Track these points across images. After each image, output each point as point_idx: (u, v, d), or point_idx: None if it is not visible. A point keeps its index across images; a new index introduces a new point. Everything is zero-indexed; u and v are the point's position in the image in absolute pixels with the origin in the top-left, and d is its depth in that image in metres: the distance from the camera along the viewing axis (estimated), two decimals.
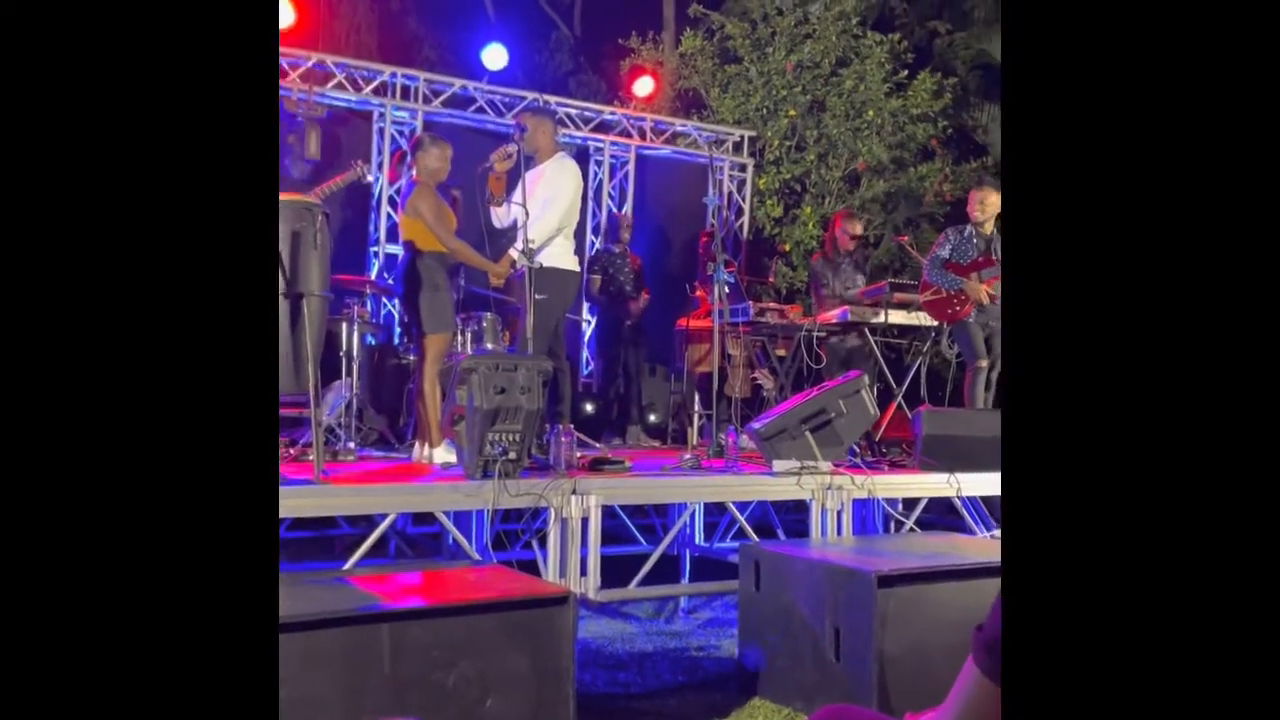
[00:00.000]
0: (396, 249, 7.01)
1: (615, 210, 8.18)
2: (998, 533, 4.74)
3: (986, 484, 4.66)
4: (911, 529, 4.67)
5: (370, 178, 6.61)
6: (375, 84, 7.17)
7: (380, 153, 7.20)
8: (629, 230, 7.11)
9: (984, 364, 5.51)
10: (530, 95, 7.64)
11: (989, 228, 5.65)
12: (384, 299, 6.90)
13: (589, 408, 6.89)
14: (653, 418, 7.17)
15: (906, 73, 9.60)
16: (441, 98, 7.42)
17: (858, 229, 6.46)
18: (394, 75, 7.25)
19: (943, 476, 4.52)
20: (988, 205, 5.60)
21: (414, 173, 4.50)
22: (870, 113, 9.27)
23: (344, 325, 5.26)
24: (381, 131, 7.19)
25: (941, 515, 4.97)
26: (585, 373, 7.81)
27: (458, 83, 7.49)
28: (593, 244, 7.98)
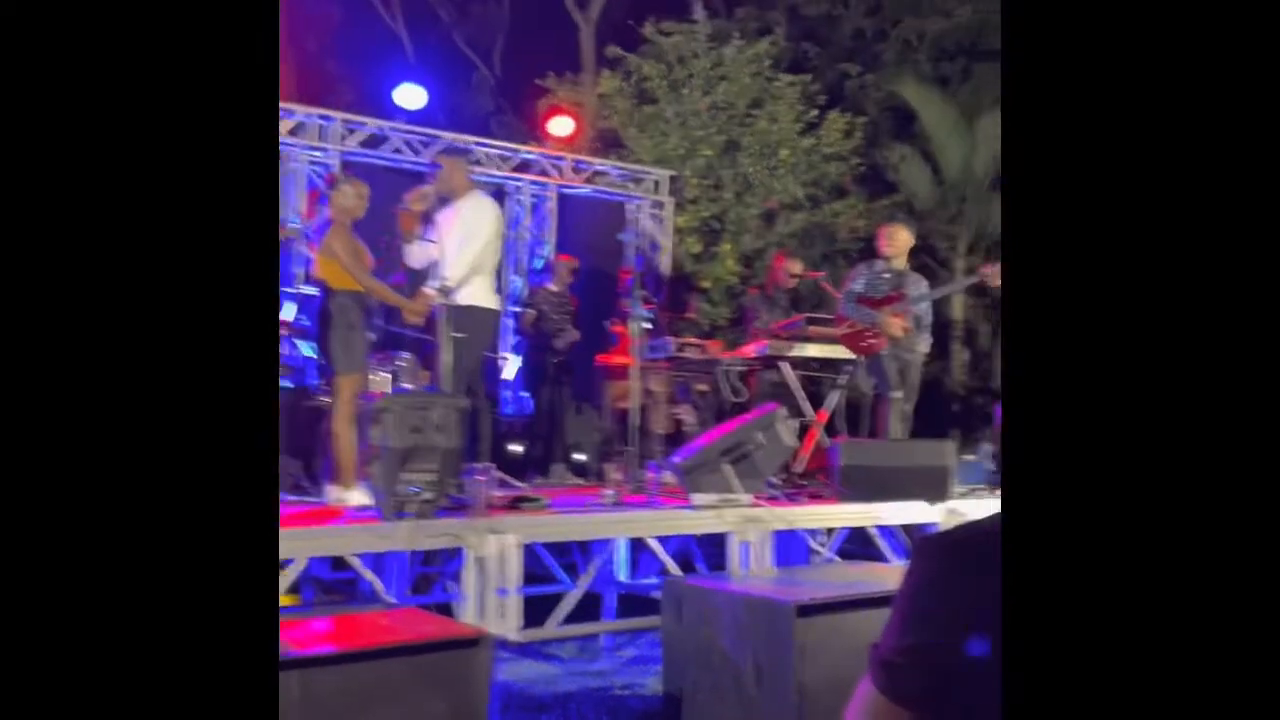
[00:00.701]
0: (312, 290, 6.90)
1: (537, 249, 8.19)
2: None
3: (902, 512, 4.74)
4: (831, 559, 4.72)
5: (293, 230, 6.50)
6: (291, 124, 7.07)
7: (293, 195, 7.09)
8: (572, 274, 7.11)
9: (899, 395, 5.62)
10: (446, 135, 7.63)
11: (899, 263, 5.79)
12: (297, 340, 6.76)
13: (514, 447, 6.83)
14: (579, 456, 7.14)
15: (818, 113, 9.86)
16: (357, 137, 7.36)
17: (797, 268, 6.56)
18: (309, 116, 7.17)
19: (861, 506, 4.58)
20: (896, 241, 5.75)
21: (329, 212, 4.45)
22: (784, 152, 9.49)
23: None
24: (296, 172, 7.09)
25: (861, 545, 5.03)
26: (506, 411, 7.74)
27: (373, 123, 7.44)
28: (513, 282, 7.96)
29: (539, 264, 8.08)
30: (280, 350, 5.62)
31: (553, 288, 7.06)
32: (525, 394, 7.33)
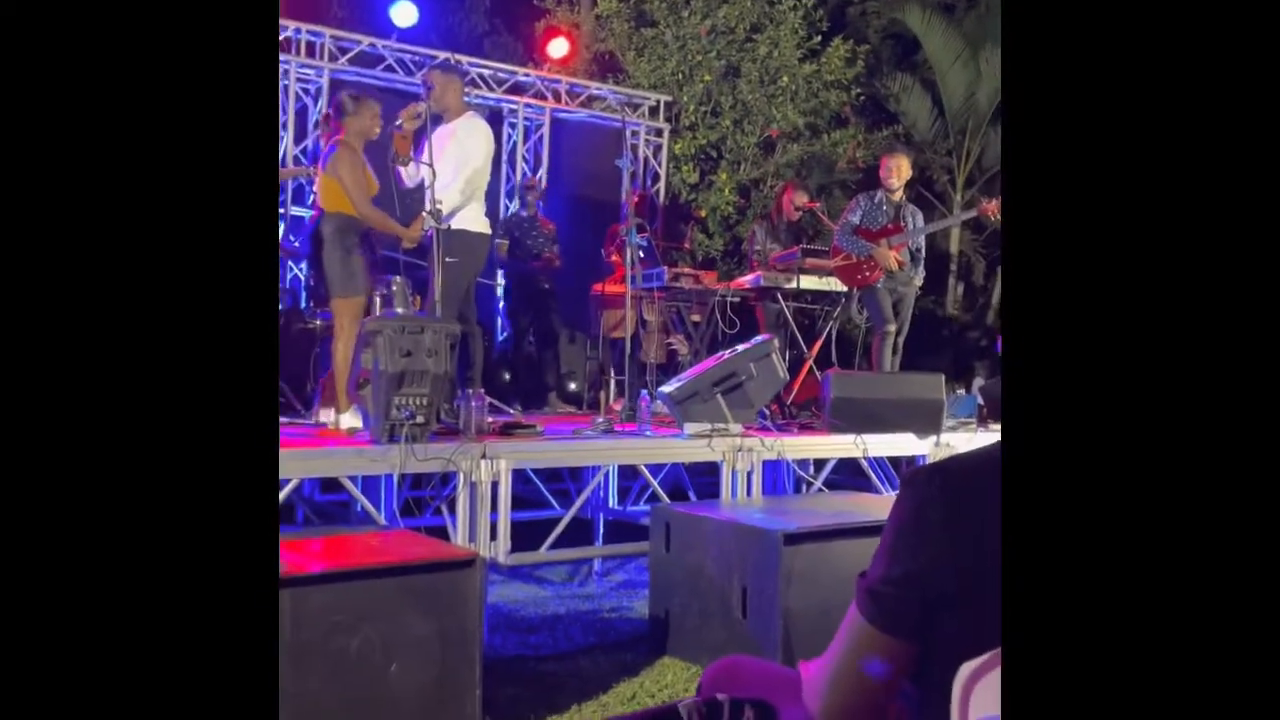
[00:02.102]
0: (303, 211, 6.83)
1: (530, 173, 8.08)
2: None
3: (892, 445, 4.78)
4: (820, 489, 4.77)
5: (306, 171, 6.39)
6: (280, 39, 6.91)
7: (284, 110, 6.96)
8: (536, 194, 7.03)
9: (891, 328, 5.62)
10: (440, 54, 7.47)
11: (899, 195, 5.74)
12: (290, 262, 6.71)
13: (505, 375, 6.83)
14: (571, 385, 7.15)
15: (820, 39, 9.67)
16: (349, 55, 7.20)
17: (803, 200, 6.49)
18: (298, 31, 7.01)
19: (850, 438, 4.62)
20: (899, 171, 5.69)
21: (341, 135, 4.36)
22: (785, 79, 9.32)
23: None
24: (286, 89, 6.95)
25: (850, 476, 5.08)
26: (500, 338, 7.73)
27: (366, 40, 7.28)
28: (507, 208, 7.88)
29: (517, 188, 7.99)
30: None
31: (523, 213, 6.97)
32: (509, 323, 7.29)
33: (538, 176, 8.06)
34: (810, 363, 6.05)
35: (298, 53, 6.99)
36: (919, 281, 5.82)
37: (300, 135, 7.09)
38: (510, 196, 8.00)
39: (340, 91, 4.78)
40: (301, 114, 7.08)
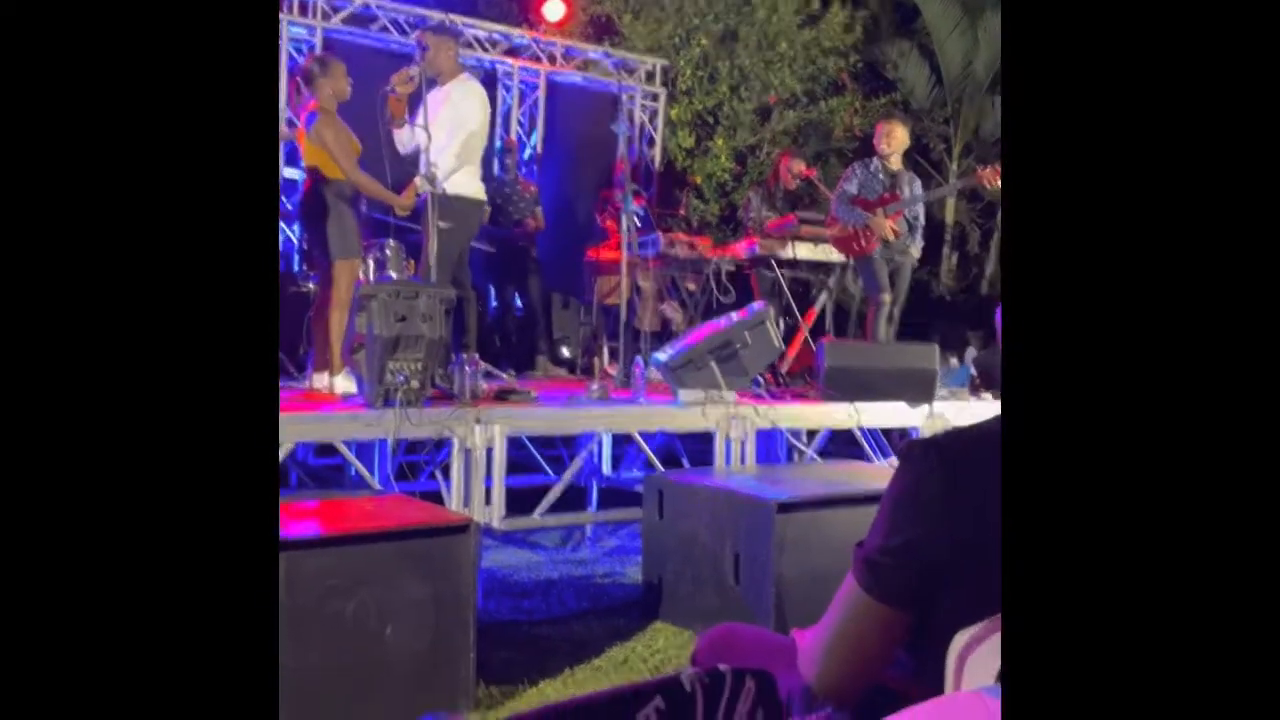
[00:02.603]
0: (294, 173, 6.76)
1: (524, 137, 8.01)
2: (895, 461, 4.89)
3: (886, 415, 4.79)
4: (813, 458, 4.79)
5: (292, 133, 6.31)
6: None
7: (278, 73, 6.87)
8: (514, 155, 6.97)
9: (887, 298, 5.61)
10: (435, 15, 7.37)
11: (894, 162, 5.71)
12: (281, 224, 6.65)
13: (496, 339, 6.81)
14: (565, 350, 7.14)
15: (820, 4, 9.58)
16: (341, 14, 7.11)
17: (800, 168, 6.45)
18: None
19: (844, 407, 4.63)
20: (893, 139, 5.65)
21: (315, 102, 4.31)
22: (783, 44, 9.25)
23: None
24: (277, 49, 6.86)
25: (843, 445, 5.10)
26: (495, 304, 7.71)
27: None
28: (490, 172, 7.82)
29: (526, 154, 7.92)
30: None
31: (503, 176, 6.91)
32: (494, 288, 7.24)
33: (530, 138, 7.99)
34: (805, 331, 6.05)
35: (289, 11, 6.89)
36: (916, 251, 5.81)
37: (291, 98, 7.01)
38: (495, 160, 7.95)
39: (303, 59, 4.71)
40: (294, 74, 7.00)
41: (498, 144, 7.71)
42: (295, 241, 6.63)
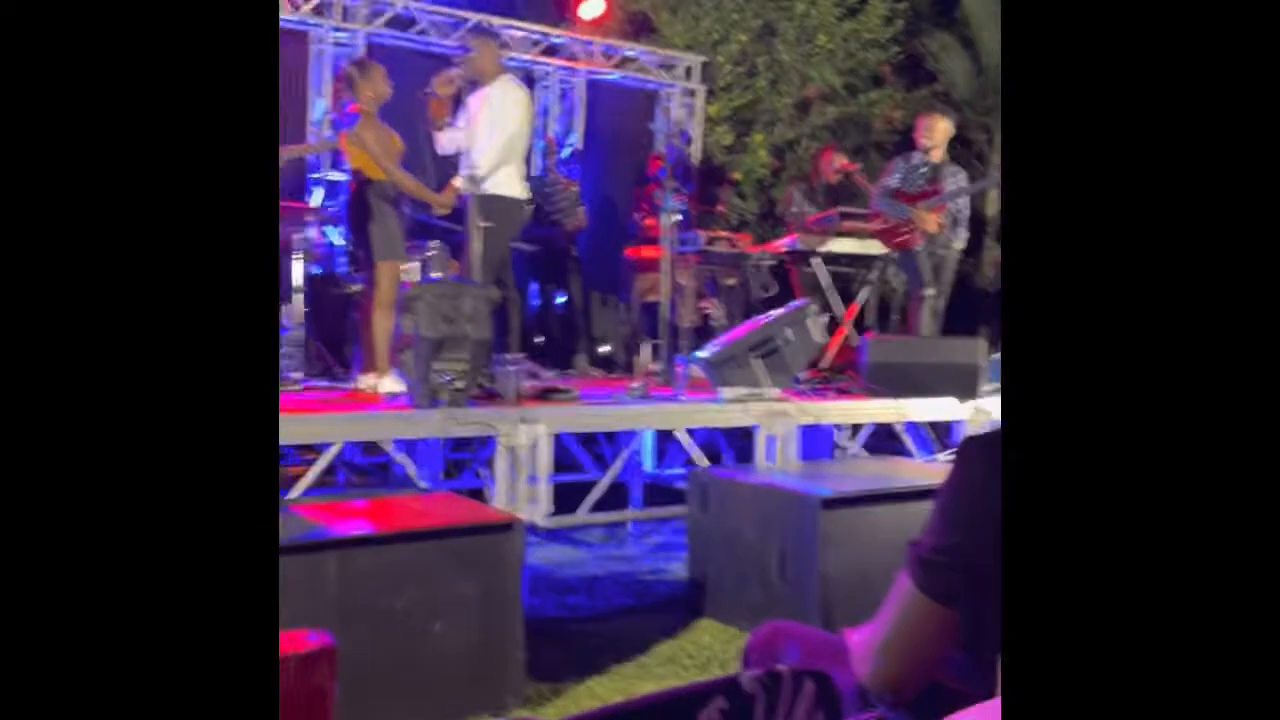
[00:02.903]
0: (339, 175, 6.85)
1: (562, 136, 8.04)
2: (939, 457, 4.85)
3: (930, 409, 4.75)
4: (856, 454, 4.76)
5: (327, 144, 6.40)
6: (314, 3, 6.90)
7: (319, 76, 6.97)
8: (554, 155, 7.00)
9: (931, 292, 5.56)
10: (475, 17, 7.42)
11: (937, 155, 5.65)
12: (327, 227, 6.74)
13: (538, 338, 6.85)
14: (604, 348, 7.16)
15: None
16: (383, 18, 7.18)
17: (842, 162, 6.42)
18: None
19: (887, 402, 4.60)
20: (935, 132, 5.60)
21: (358, 103, 4.37)
22: (822, 38, 9.17)
23: (286, 254, 5.15)
24: (321, 54, 6.95)
25: (886, 440, 5.07)
26: (536, 303, 7.75)
27: (400, 2, 7.24)
28: (543, 170, 7.86)
29: (566, 153, 7.95)
30: (310, 236, 5.62)
31: (544, 176, 6.94)
32: (536, 285, 7.28)
33: (569, 138, 8.02)
34: (847, 327, 6.02)
35: (332, 16, 6.97)
36: (960, 245, 5.74)
37: (336, 102, 7.09)
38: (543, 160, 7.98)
39: (343, 63, 4.77)
40: (339, 79, 7.08)
41: (538, 143, 7.75)
42: (342, 244, 6.71)
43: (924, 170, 5.63)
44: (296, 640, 0.60)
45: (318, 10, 6.91)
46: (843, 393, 4.96)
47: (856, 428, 4.86)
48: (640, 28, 10.07)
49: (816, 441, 4.89)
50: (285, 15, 6.77)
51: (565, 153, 7.95)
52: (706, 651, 3.05)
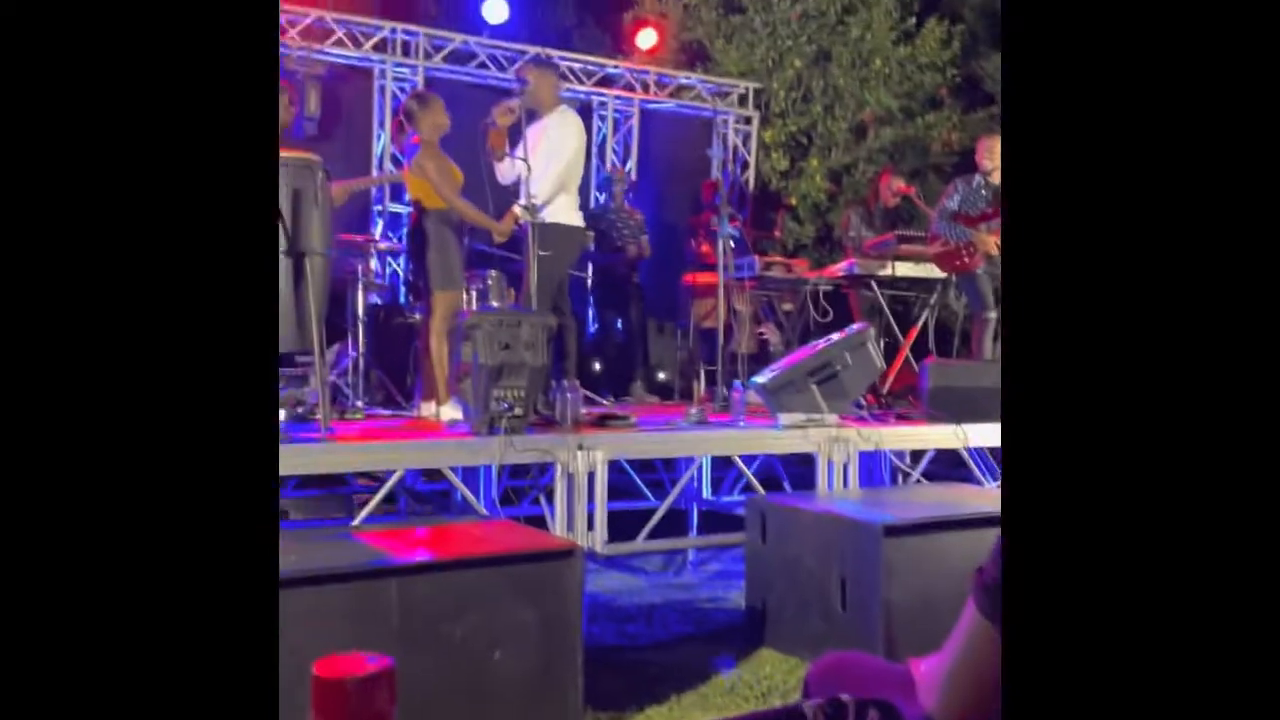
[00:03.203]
0: (400, 208, 6.99)
1: (619, 165, 8.11)
2: None
3: (993, 435, 4.66)
4: (918, 480, 4.68)
5: (393, 176, 6.56)
6: (375, 40, 7.09)
7: (381, 110, 7.14)
8: (622, 184, 7.05)
9: (993, 315, 5.48)
10: (532, 49, 7.54)
11: (997, 176, 5.58)
12: (388, 258, 6.88)
13: (595, 365, 6.89)
14: (661, 375, 7.17)
15: (914, 20, 9.44)
16: (442, 53, 7.34)
17: (900, 185, 6.39)
18: (394, 31, 7.17)
19: (949, 428, 4.52)
20: (996, 154, 5.53)
21: (419, 133, 4.47)
22: (877, 62, 9.13)
23: (349, 285, 5.25)
24: (383, 89, 7.13)
25: (948, 467, 4.98)
26: (592, 329, 7.80)
27: (458, 38, 7.40)
28: (596, 200, 7.92)
29: (606, 179, 8.02)
30: (370, 266, 5.73)
31: (609, 204, 7.00)
32: (597, 314, 7.33)
33: (625, 167, 8.09)
34: (906, 351, 5.94)
35: (393, 52, 7.15)
36: None
37: (397, 135, 7.25)
38: (601, 189, 8.05)
39: (405, 98, 4.87)
40: (399, 112, 7.25)
41: (603, 173, 7.83)
42: (402, 274, 6.84)
43: (984, 192, 5.56)
44: (356, 663, 0.60)
45: (379, 47, 7.09)
46: (903, 418, 4.89)
47: (918, 454, 4.78)
48: (695, 56, 10.13)
49: (877, 468, 4.82)
50: (348, 52, 6.96)
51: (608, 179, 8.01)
52: (767, 681, 3.01)
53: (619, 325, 6.99)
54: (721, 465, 5.17)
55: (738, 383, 4.87)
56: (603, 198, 7.85)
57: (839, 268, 6.18)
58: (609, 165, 8.04)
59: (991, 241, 5.42)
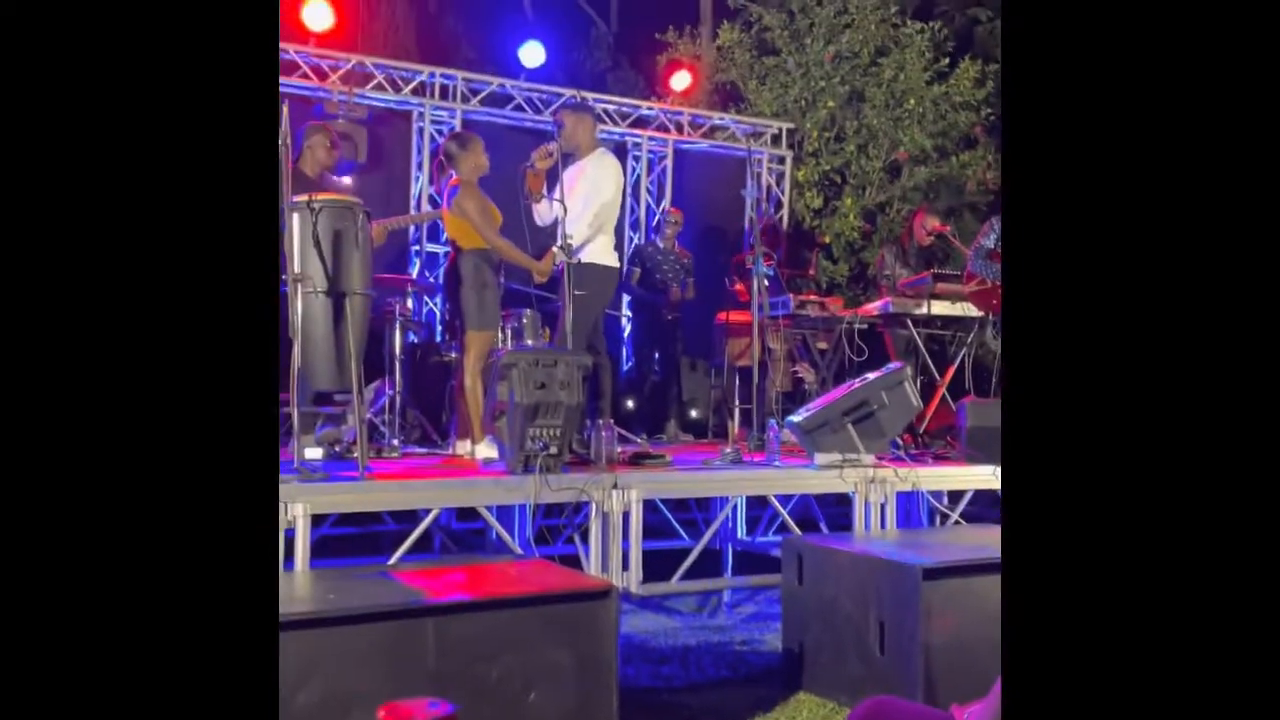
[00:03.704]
0: (437, 248, 7.09)
1: (654, 205, 8.17)
2: None
3: None
4: (957, 521, 4.62)
5: (431, 215, 6.66)
6: (414, 84, 7.23)
7: (420, 152, 7.26)
8: (675, 227, 7.09)
9: None
10: (568, 92, 7.65)
11: None
12: (425, 297, 6.96)
13: (629, 403, 6.89)
14: (694, 413, 7.15)
15: (948, 61, 9.47)
16: (480, 96, 7.46)
17: (935, 224, 6.38)
18: (432, 75, 7.31)
19: (988, 469, 4.46)
20: None
21: (459, 173, 4.53)
22: (911, 101, 9.16)
23: (387, 323, 5.31)
24: (421, 131, 7.25)
25: (987, 508, 4.91)
26: (626, 368, 7.82)
27: (495, 81, 7.52)
28: (631, 239, 7.97)
29: (657, 221, 8.07)
30: (408, 306, 5.80)
31: (659, 243, 7.04)
32: (634, 352, 7.37)
33: (660, 206, 8.15)
34: (943, 390, 5.89)
35: (432, 95, 7.28)
36: None
37: (434, 176, 7.37)
38: (635, 229, 8.10)
39: (443, 140, 4.95)
40: (436, 154, 7.36)
41: (658, 215, 7.89)
42: (438, 313, 6.91)
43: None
44: (418, 710, 0.60)
45: (418, 91, 7.23)
46: (941, 458, 4.84)
47: (957, 494, 4.72)
48: (729, 98, 10.23)
49: (914, 509, 4.77)
50: (387, 96, 7.10)
51: (655, 220, 8.06)
52: None
53: (656, 363, 7.00)
54: (757, 505, 5.14)
55: (773, 422, 4.85)
56: (638, 238, 7.90)
57: (874, 306, 6.15)
58: (645, 206, 8.10)
59: None
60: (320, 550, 4.67)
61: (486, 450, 4.14)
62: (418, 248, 7.28)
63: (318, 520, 4.13)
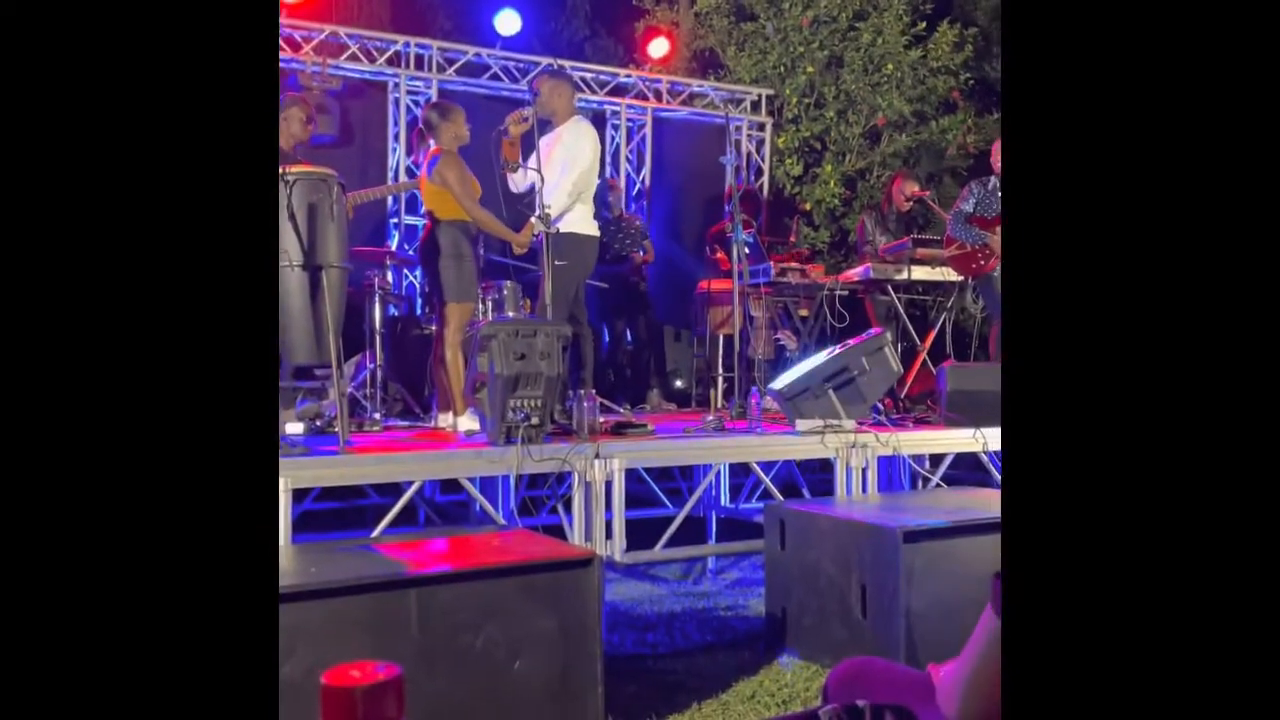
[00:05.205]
0: (416, 220, 7.03)
1: (633, 174, 8.13)
2: None
3: None
4: (938, 485, 4.66)
5: (408, 184, 6.59)
6: (389, 54, 7.14)
7: (396, 123, 7.18)
8: (618, 193, 7.08)
9: None
10: (545, 60, 7.58)
11: None
12: (405, 270, 6.91)
13: (610, 374, 6.89)
14: (678, 383, 7.16)
15: (925, 25, 9.43)
16: (455, 66, 7.38)
17: (913, 189, 6.38)
18: (407, 45, 7.22)
19: (968, 431, 4.49)
20: None
21: (440, 143, 4.48)
22: (889, 66, 9.12)
23: (366, 297, 5.28)
24: (397, 102, 7.17)
25: (968, 471, 4.95)
26: (606, 339, 7.81)
27: (471, 50, 7.44)
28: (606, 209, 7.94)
29: (635, 190, 8.03)
30: (387, 279, 5.76)
31: (606, 214, 7.00)
32: (603, 323, 7.33)
33: (639, 174, 8.11)
34: (924, 355, 5.92)
35: (407, 66, 7.19)
36: None
37: (413, 147, 7.30)
38: (598, 203, 8.06)
39: (423, 108, 4.89)
40: (413, 125, 7.29)
41: (601, 186, 7.84)
42: (418, 285, 6.87)
43: (1000, 194, 5.53)
44: (365, 671, 0.61)
45: (393, 61, 7.14)
46: (922, 422, 4.87)
47: (938, 458, 4.76)
48: (707, 64, 10.16)
49: (896, 473, 4.80)
50: (362, 67, 7.01)
51: (635, 190, 8.03)
52: (788, 689, 3.00)
53: (628, 334, 6.99)
54: (739, 472, 5.16)
55: (755, 389, 4.86)
56: (604, 210, 7.87)
57: (855, 273, 6.16)
58: (625, 175, 8.05)
59: None
60: (304, 525, 4.67)
61: (468, 422, 4.14)
62: (396, 220, 7.22)
63: (299, 495, 4.12)
